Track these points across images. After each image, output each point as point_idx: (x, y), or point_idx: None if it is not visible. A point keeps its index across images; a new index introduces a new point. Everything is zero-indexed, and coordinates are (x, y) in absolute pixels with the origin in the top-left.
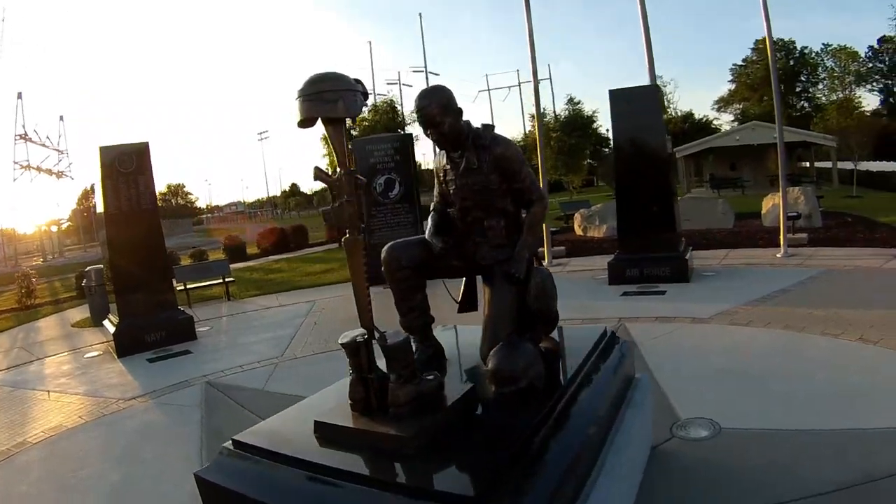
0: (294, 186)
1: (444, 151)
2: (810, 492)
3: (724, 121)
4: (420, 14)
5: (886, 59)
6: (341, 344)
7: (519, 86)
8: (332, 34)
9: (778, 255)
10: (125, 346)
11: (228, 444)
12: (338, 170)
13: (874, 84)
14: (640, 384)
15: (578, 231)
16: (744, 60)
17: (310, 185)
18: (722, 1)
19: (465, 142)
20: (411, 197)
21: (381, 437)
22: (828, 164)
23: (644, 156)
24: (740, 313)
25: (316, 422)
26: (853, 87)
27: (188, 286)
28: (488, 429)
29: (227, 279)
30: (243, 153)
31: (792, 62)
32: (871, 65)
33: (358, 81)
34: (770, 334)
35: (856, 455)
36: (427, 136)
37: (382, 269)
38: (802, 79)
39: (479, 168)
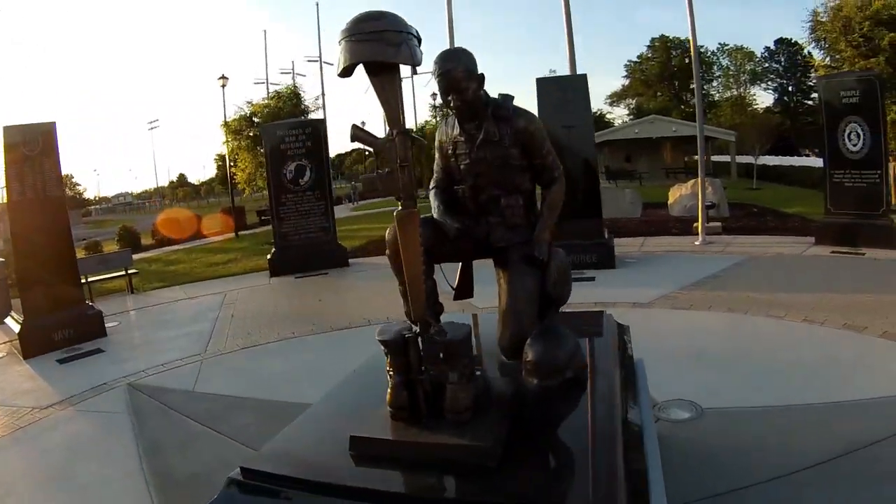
0: (182, 177)
1: (453, 122)
2: (801, 465)
3: (618, 115)
4: (317, 3)
5: (783, 59)
6: (382, 341)
7: (412, 77)
8: (225, 22)
9: (696, 243)
10: (32, 346)
11: (235, 473)
12: (386, 130)
13: (769, 83)
14: (639, 367)
15: None
16: (639, 57)
17: (197, 176)
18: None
19: (484, 112)
20: (323, 184)
21: (451, 450)
22: (724, 158)
23: (572, 144)
24: (679, 298)
25: (352, 437)
26: (748, 85)
27: (89, 279)
28: (561, 431)
29: (129, 271)
30: (133, 143)
31: (688, 60)
32: (766, 65)
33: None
34: (718, 317)
35: (836, 427)
36: (446, 103)
37: (387, 252)
38: None
39: (499, 141)
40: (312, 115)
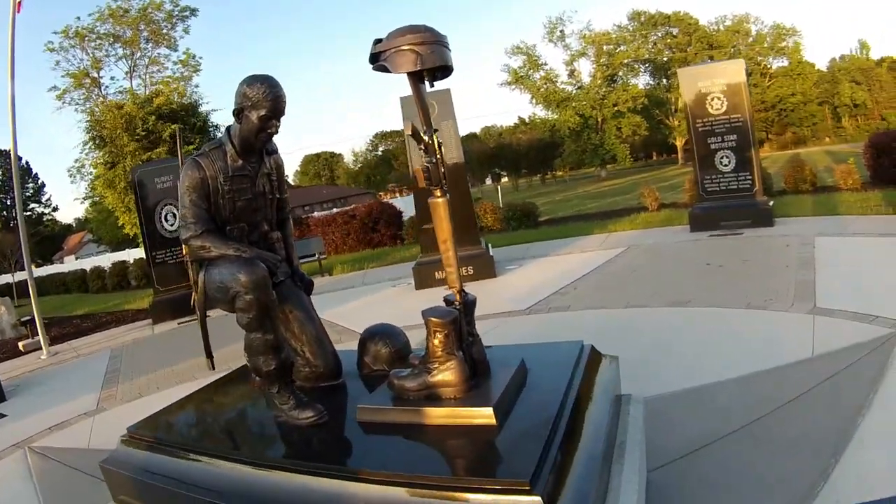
0: None
1: (222, 155)
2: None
3: None
4: None
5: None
6: (449, 321)
7: None
8: None
9: (42, 357)
10: None
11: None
12: (424, 130)
13: None
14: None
15: None
16: None
17: None
18: None
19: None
20: None
21: (519, 376)
22: None
23: None
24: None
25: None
26: None
27: None
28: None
29: None
30: None
31: None
32: None
33: None
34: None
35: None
36: (264, 130)
37: (249, 293)
38: None
39: (271, 174)
40: None
